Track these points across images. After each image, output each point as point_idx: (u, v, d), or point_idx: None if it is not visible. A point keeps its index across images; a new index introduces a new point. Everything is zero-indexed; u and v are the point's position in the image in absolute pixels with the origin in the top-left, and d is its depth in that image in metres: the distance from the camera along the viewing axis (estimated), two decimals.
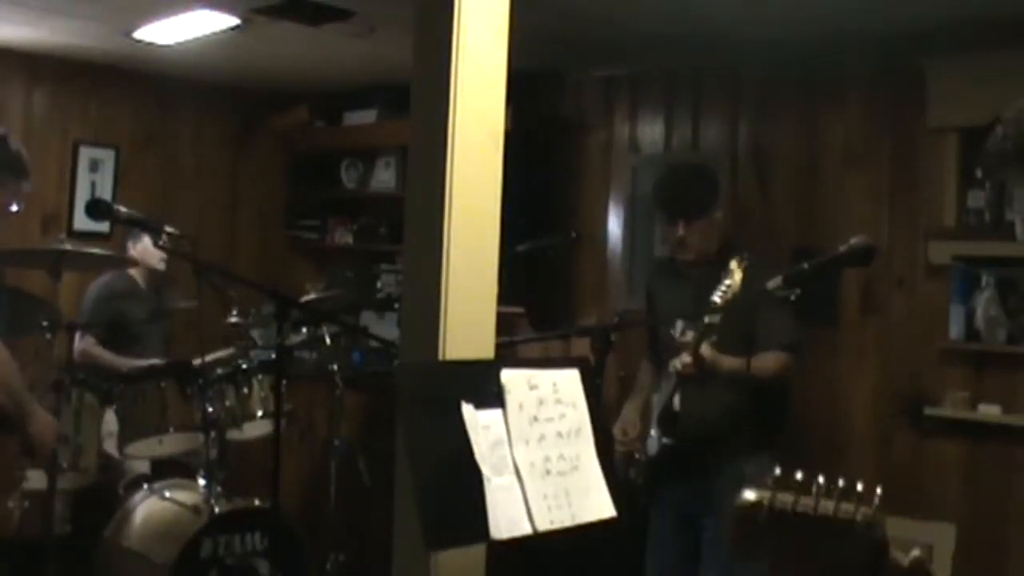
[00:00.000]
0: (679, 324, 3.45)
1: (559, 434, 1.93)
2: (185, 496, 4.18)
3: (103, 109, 5.73)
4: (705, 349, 3.21)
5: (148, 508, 4.17)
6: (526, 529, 1.82)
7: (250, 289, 4.37)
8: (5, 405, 3.22)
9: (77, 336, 4.36)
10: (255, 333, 4.91)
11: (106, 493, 4.29)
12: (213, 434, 4.17)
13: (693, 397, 3.36)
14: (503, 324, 2.31)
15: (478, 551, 2.11)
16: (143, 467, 4.50)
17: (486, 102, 2.20)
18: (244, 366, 4.38)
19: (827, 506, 1.34)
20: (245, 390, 4.33)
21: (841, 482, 1.35)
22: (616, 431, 3.56)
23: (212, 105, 6.12)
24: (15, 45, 5.22)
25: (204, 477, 4.16)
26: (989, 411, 3.97)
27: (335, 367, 4.79)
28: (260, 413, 4.33)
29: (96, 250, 4.42)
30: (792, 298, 2.90)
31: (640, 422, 3.55)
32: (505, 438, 1.84)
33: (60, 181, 5.54)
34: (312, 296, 5.25)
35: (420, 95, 2.26)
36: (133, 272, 4.95)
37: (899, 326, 4.24)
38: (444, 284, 2.13)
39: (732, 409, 3.41)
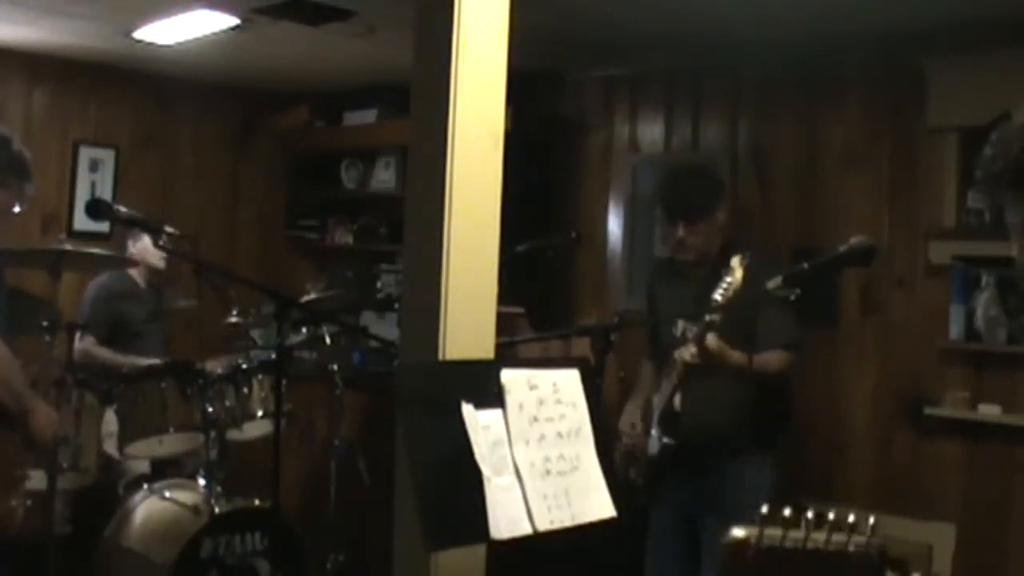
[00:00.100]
0: (680, 324, 3.45)
1: (559, 434, 1.93)
2: (185, 496, 4.18)
3: (103, 109, 5.73)
4: (711, 340, 3.20)
5: (148, 508, 4.17)
6: (526, 529, 1.82)
7: (250, 289, 4.37)
8: (6, 402, 3.23)
9: (77, 336, 4.35)
10: (255, 333, 4.92)
11: (106, 493, 4.29)
12: (213, 434, 4.18)
13: (694, 397, 3.35)
14: (503, 324, 2.31)
15: (478, 551, 2.11)
16: (143, 467, 4.50)
17: (486, 102, 2.20)
18: (244, 366, 4.38)
19: (817, 539, 1.34)
20: (245, 390, 4.33)
21: (832, 515, 1.35)
22: (623, 424, 3.57)
23: (212, 105, 6.12)
24: (15, 45, 5.22)
25: (204, 477, 4.17)
26: (989, 411, 3.97)
27: (335, 367, 4.79)
28: (260, 413, 4.33)
29: (96, 250, 4.43)
30: (792, 298, 2.89)
31: (641, 422, 3.55)
32: (505, 438, 1.84)
33: (60, 181, 5.54)
34: (312, 296, 5.24)
35: (420, 95, 2.27)
36: (133, 272, 4.95)
37: (899, 326, 4.24)
38: (444, 284, 2.13)
39: (733, 409, 3.41)
